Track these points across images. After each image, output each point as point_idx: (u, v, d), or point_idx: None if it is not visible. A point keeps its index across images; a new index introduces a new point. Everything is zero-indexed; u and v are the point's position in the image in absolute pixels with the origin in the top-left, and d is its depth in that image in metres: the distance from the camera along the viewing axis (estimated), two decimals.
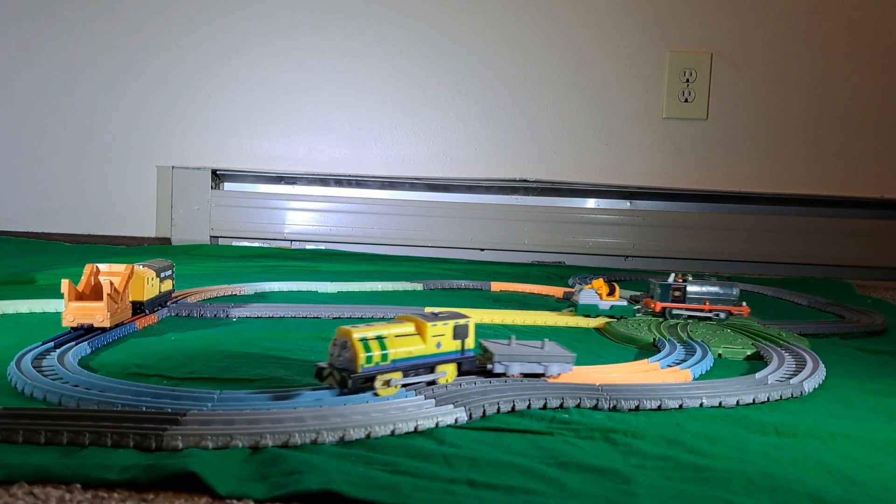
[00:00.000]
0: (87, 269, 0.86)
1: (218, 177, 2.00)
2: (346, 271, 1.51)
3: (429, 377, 0.65)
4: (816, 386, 0.75)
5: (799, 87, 1.93)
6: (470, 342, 0.67)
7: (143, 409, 0.58)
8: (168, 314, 1.00)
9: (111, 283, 0.83)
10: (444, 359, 0.66)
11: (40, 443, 0.52)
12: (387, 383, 0.62)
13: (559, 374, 0.70)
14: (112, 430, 0.52)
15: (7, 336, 0.84)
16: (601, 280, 1.10)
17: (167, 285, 1.01)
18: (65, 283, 0.81)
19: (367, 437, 0.55)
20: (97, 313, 0.81)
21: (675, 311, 1.06)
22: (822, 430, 0.61)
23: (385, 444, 0.54)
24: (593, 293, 1.07)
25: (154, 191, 1.98)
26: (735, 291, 1.08)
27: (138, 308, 0.92)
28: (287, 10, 1.96)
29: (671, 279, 1.08)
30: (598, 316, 1.07)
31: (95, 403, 0.59)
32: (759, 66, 1.93)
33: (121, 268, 0.88)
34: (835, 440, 0.59)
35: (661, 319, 1.05)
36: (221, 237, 2.00)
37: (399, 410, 0.59)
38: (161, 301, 0.99)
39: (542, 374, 0.69)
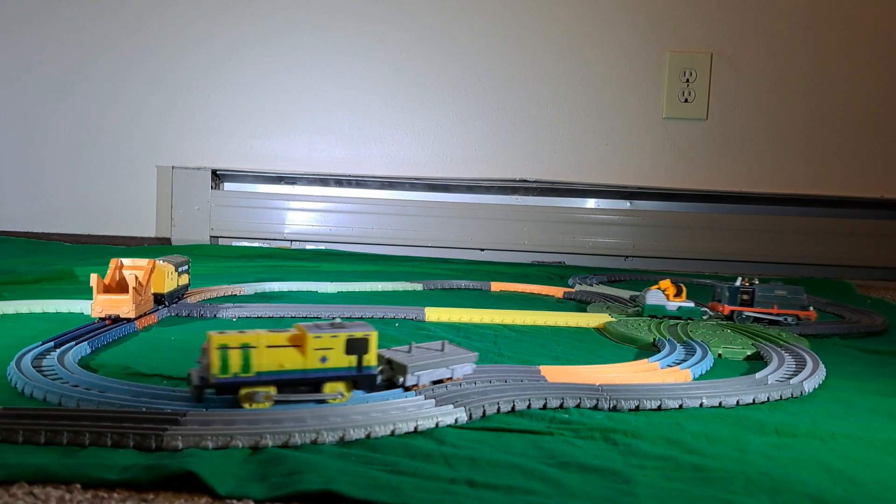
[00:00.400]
0: (113, 263, 0.92)
1: (218, 177, 2.00)
2: (346, 271, 1.51)
3: (314, 395, 0.60)
4: (816, 386, 0.75)
5: (799, 87, 1.93)
6: (370, 358, 0.61)
7: (143, 409, 0.58)
8: (168, 314, 1.00)
9: (136, 277, 0.90)
10: (333, 375, 0.60)
11: (40, 443, 0.52)
12: (251, 397, 0.58)
13: (462, 376, 0.67)
14: (112, 430, 0.52)
15: (7, 336, 0.84)
16: (668, 281, 1.09)
17: (184, 279, 1.08)
18: (93, 277, 0.87)
19: (367, 437, 0.55)
20: (124, 305, 0.88)
21: (743, 315, 1.05)
22: (822, 430, 0.61)
23: (385, 444, 0.54)
24: (660, 294, 1.06)
25: (154, 191, 1.98)
26: (803, 296, 1.07)
27: (159, 300, 0.98)
28: (287, 10, 1.96)
29: (738, 283, 1.07)
30: (664, 317, 1.05)
31: (95, 403, 0.59)
32: (759, 66, 1.93)
33: (143, 262, 0.94)
34: (835, 440, 0.59)
35: (659, 320, 1.05)
36: (221, 237, 2.00)
37: (399, 410, 0.59)
38: (179, 294, 1.05)
39: (450, 378, 0.66)
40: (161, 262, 0.99)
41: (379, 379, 0.63)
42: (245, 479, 0.48)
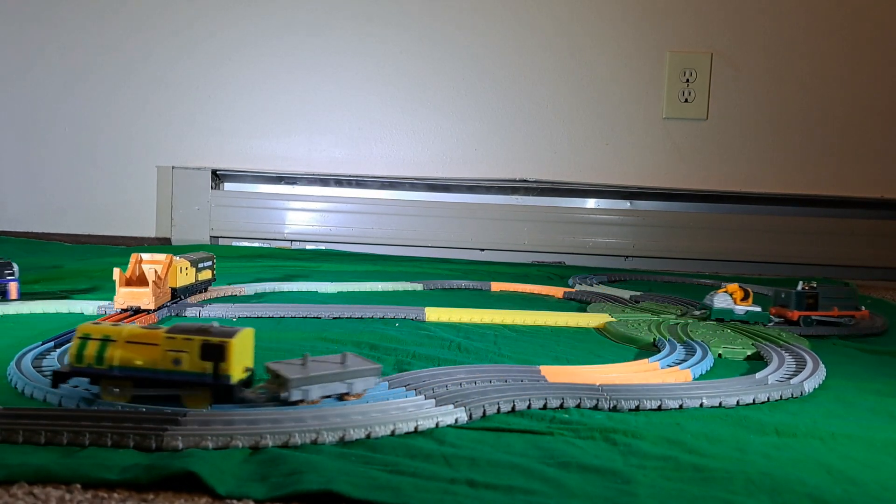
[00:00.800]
0: (133, 258, 0.98)
1: (218, 177, 2.00)
2: (346, 271, 1.51)
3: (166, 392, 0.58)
4: (816, 386, 0.75)
5: (799, 87, 1.93)
6: (231, 368, 0.56)
7: (143, 409, 0.58)
8: (168, 314, 1.00)
9: (155, 271, 0.96)
10: (185, 379, 0.57)
11: (40, 443, 0.52)
12: (106, 390, 0.58)
13: (364, 391, 0.62)
14: (112, 430, 0.52)
15: (7, 336, 0.84)
16: (736, 284, 1.08)
17: (205, 275, 1.13)
18: (116, 272, 0.94)
19: (367, 437, 0.55)
20: (144, 297, 0.94)
21: (810, 319, 1.05)
22: (822, 430, 0.61)
23: (385, 444, 0.54)
24: (728, 297, 1.05)
25: (154, 191, 1.98)
26: (854, 296, 1.09)
27: (173, 294, 1.03)
28: (287, 11, 1.96)
29: (800, 287, 1.07)
30: (732, 320, 1.05)
31: (95, 403, 0.59)
32: (758, 66, 1.93)
33: (162, 257, 1.00)
34: (835, 440, 0.59)
35: (660, 320, 1.05)
36: (221, 237, 2.00)
37: (399, 410, 0.59)
38: (199, 289, 1.12)
39: (347, 394, 0.61)
40: (177, 258, 1.03)
41: (233, 393, 0.58)
42: (245, 479, 0.48)
